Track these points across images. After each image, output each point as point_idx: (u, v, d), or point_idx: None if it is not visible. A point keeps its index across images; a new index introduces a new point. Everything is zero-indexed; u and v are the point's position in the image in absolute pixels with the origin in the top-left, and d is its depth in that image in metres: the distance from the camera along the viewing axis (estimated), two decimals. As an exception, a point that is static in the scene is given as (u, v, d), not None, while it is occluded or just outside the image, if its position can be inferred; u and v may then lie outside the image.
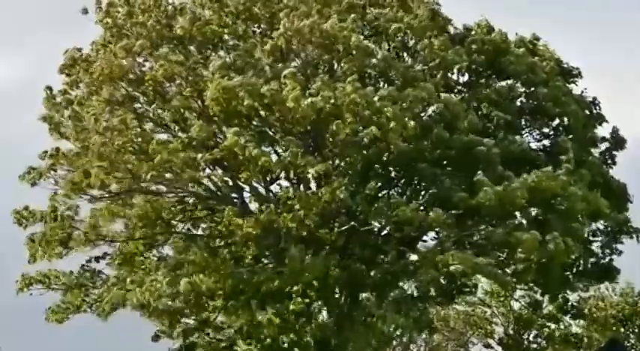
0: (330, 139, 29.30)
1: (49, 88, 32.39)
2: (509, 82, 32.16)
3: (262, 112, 29.53)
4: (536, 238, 28.23)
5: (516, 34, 33.18)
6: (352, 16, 30.07)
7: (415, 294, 31.32)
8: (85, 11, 32.22)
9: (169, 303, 30.89)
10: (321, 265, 28.74)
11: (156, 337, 33.77)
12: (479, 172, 28.71)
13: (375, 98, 28.35)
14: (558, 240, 28.31)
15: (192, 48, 31.36)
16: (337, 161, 30.64)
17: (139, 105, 31.47)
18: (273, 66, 29.55)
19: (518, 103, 32.81)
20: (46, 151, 31.57)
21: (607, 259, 33.85)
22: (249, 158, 28.38)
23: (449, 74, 31.75)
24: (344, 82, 28.59)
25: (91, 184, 30.04)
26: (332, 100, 28.08)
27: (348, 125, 28.29)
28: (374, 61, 30.42)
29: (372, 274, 30.61)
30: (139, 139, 29.71)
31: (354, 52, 29.47)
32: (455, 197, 28.94)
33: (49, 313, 32.87)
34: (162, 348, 34.38)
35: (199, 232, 32.65)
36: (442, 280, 31.17)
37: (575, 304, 38.84)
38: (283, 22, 29.85)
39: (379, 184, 30.86)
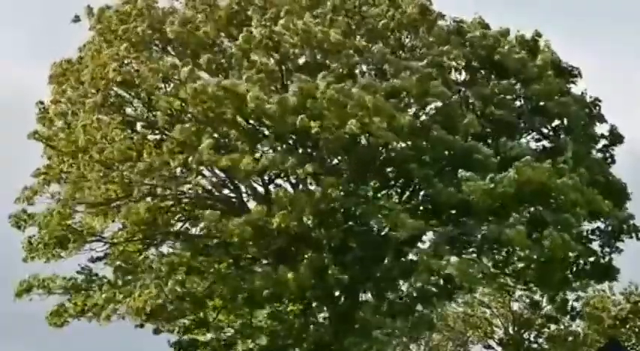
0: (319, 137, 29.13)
1: (41, 103, 32.23)
2: (509, 81, 31.84)
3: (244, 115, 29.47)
4: (522, 233, 27.82)
5: (499, 27, 32.84)
6: (329, 14, 29.90)
7: (414, 295, 31.08)
8: (77, 19, 32.06)
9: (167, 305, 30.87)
10: (304, 277, 28.53)
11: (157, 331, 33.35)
12: (460, 170, 28.36)
13: (354, 90, 28.08)
14: (554, 234, 27.98)
15: (187, 51, 31.15)
16: (332, 161, 30.56)
17: (130, 108, 31.41)
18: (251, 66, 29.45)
19: (518, 103, 32.54)
20: (39, 169, 31.59)
21: (607, 259, 33.53)
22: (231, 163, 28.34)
23: (447, 72, 31.35)
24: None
25: (85, 195, 30.07)
26: (308, 96, 27.93)
27: (326, 121, 28.05)
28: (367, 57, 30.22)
29: (370, 274, 30.37)
30: (130, 145, 29.62)
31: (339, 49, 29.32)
32: (443, 194, 28.60)
33: (50, 317, 32.52)
34: (161, 347, 34.25)
35: (197, 231, 32.38)
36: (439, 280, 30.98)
37: (574, 304, 38.71)
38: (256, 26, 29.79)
39: (376, 183, 30.59)
